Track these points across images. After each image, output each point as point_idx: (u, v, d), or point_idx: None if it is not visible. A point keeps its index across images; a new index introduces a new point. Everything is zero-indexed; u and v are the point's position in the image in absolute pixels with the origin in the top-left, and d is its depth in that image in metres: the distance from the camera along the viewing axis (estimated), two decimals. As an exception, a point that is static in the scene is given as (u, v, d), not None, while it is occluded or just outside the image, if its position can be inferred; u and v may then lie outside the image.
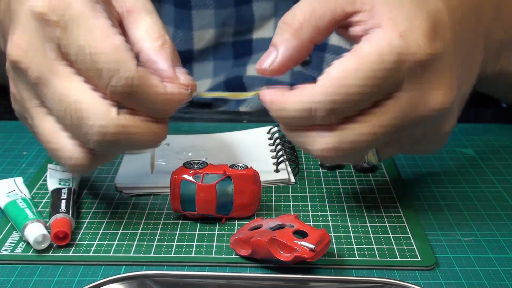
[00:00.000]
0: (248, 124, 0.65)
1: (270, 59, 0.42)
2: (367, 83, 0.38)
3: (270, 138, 0.59)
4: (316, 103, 0.39)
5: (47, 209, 0.47)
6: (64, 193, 0.47)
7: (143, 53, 0.43)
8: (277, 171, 0.53)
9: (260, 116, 0.69)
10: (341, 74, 0.38)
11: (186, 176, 0.45)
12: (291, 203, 0.49)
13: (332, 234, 0.44)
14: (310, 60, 0.72)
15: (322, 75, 0.39)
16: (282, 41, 0.42)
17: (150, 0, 0.46)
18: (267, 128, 0.61)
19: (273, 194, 0.50)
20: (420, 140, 0.43)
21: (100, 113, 0.38)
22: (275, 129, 0.60)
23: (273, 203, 0.49)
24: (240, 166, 0.46)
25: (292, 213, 0.47)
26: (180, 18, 0.73)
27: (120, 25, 0.44)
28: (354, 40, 0.41)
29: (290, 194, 0.50)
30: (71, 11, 0.39)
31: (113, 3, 0.44)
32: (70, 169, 0.41)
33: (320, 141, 0.40)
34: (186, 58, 0.75)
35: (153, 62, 0.42)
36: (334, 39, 0.71)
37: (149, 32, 0.43)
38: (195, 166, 0.46)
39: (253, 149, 0.58)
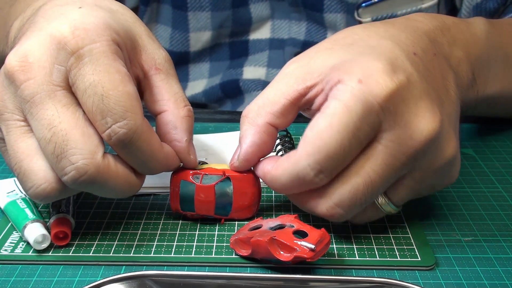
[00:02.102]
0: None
1: (236, 154, 0.44)
2: (343, 136, 0.38)
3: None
4: (302, 169, 0.39)
5: (47, 209, 0.47)
6: (64, 193, 0.47)
7: (166, 115, 0.44)
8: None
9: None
10: (316, 134, 0.39)
11: (185, 176, 0.45)
12: (291, 203, 0.49)
13: (332, 234, 0.44)
14: None
15: (300, 140, 0.40)
16: (242, 133, 0.43)
17: (172, 63, 0.46)
18: (267, 128, 0.61)
19: (273, 194, 0.50)
20: (427, 176, 0.42)
21: (86, 151, 0.38)
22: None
23: (273, 203, 0.49)
24: None
25: (292, 213, 0.47)
26: (177, 20, 0.73)
27: (141, 81, 0.45)
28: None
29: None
30: (93, 46, 0.39)
31: (142, 57, 0.44)
32: (33, 195, 0.40)
33: (322, 203, 0.41)
34: (182, 59, 0.75)
35: (173, 127, 0.44)
36: None
37: (176, 97, 0.44)
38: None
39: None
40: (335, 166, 0.39)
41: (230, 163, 0.45)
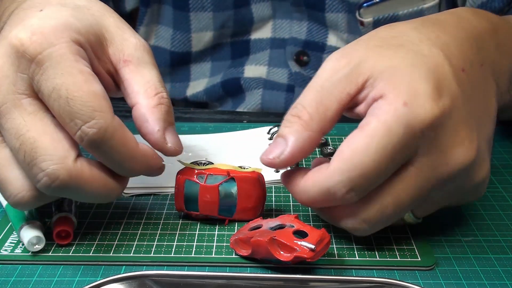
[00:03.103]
0: (248, 124, 0.65)
1: (278, 150, 0.41)
2: (380, 157, 0.37)
3: (270, 138, 0.59)
4: (334, 184, 0.38)
5: (48, 209, 0.47)
6: (66, 192, 0.47)
7: (137, 108, 0.42)
8: (277, 171, 0.53)
9: (260, 116, 0.69)
10: (353, 152, 0.38)
11: (190, 176, 0.45)
12: (291, 203, 0.49)
13: (332, 234, 0.44)
14: (308, 61, 0.72)
15: (335, 154, 0.39)
16: (291, 132, 0.40)
17: (150, 51, 0.45)
18: (267, 128, 0.61)
19: (273, 194, 0.50)
20: (455, 194, 0.42)
21: (55, 157, 0.38)
22: (275, 129, 0.60)
23: (273, 203, 0.49)
24: (247, 168, 0.46)
25: (292, 213, 0.47)
26: (179, 20, 0.73)
27: (113, 75, 0.44)
28: (360, 117, 0.40)
29: (290, 194, 0.50)
30: (51, 50, 0.39)
31: (108, 51, 0.43)
32: (12, 203, 0.40)
33: (348, 218, 0.40)
34: (184, 60, 0.75)
35: (145, 120, 0.42)
36: (332, 40, 0.71)
37: (146, 87, 0.43)
38: (201, 166, 0.46)
39: (253, 149, 0.58)
40: (368, 186, 0.38)
41: (268, 156, 0.41)
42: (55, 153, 0.38)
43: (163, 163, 0.43)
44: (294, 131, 0.40)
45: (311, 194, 0.40)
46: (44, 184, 0.38)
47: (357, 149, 0.38)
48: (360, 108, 0.40)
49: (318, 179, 0.39)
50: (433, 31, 0.43)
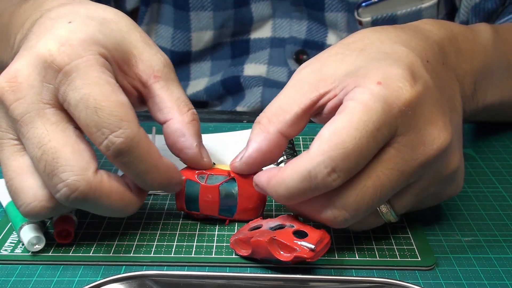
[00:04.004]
0: (248, 124, 0.65)
1: (240, 156, 0.43)
2: (361, 135, 0.37)
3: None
4: (315, 166, 0.38)
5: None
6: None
7: (171, 123, 0.43)
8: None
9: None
10: (333, 132, 0.38)
11: (191, 176, 0.45)
12: (291, 203, 0.49)
13: (332, 234, 0.44)
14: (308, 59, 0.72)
15: (315, 138, 0.39)
16: (250, 137, 0.43)
17: (173, 67, 0.46)
18: (267, 128, 0.61)
19: (273, 194, 0.50)
20: (433, 184, 0.42)
21: (76, 168, 0.38)
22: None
23: (273, 203, 0.49)
24: None
25: (292, 213, 0.47)
26: (179, 20, 0.73)
27: (140, 91, 0.44)
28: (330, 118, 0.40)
29: (290, 194, 0.50)
30: (79, 61, 0.39)
31: (138, 66, 0.44)
32: (24, 213, 0.40)
33: (327, 206, 0.40)
34: (184, 59, 0.75)
35: (181, 135, 0.43)
36: (332, 39, 0.71)
37: (178, 103, 0.44)
38: None
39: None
40: (350, 167, 0.38)
41: (231, 162, 0.44)
42: (76, 164, 0.38)
43: (184, 178, 0.44)
44: (253, 136, 0.42)
45: (289, 183, 0.39)
46: (64, 194, 0.38)
47: (337, 129, 0.38)
48: (328, 109, 0.41)
49: (297, 164, 0.39)
50: (393, 32, 0.44)
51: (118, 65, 0.42)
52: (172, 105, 0.44)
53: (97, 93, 0.38)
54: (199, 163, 0.44)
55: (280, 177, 0.39)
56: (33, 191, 0.40)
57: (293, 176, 0.39)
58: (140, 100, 0.45)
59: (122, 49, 0.43)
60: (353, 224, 0.42)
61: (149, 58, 0.44)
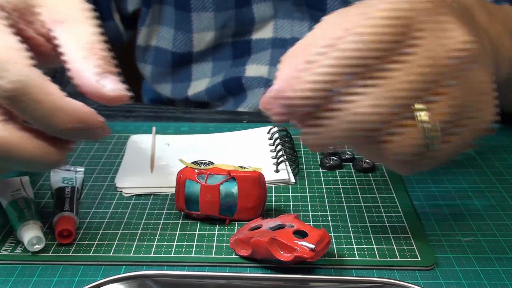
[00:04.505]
0: (248, 124, 0.65)
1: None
2: (389, 19, 0.37)
3: (270, 138, 0.59)
4: (346, 45, 0.36)
5: (48, 209, 0.47)
6: (68, 191, 0.47)
7: (71, 65, 0.40)
8: (277, 171, 0.53)
9: (260, 116, 0.69)
10: (362, 14, 0.37)
11: (191, 176, 0.45)
12: (291, 203, 0.49)
13: (332, 234, 0.44)
14: None
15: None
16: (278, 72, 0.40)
17: (91, 11, 0.43)
18: (267, 128, 0.61)
19: (273, 194, 0.50)
20: (465, 93, 0.39)
21: (13, 61, 0.36)
22: (275, 129, 0.60)
23: (273, 203, 0.49)
24: (248, 168, 0.46)
25: (292, 213, 0.47)
26: (180, 21, 0.73)
27: (49, 38, 0.43)
28: None
29: (290, 194, 0.50)
30: None
31: (41, 14, 0.42)
32: None
33: (356, 104, 0.36)
34: (185, 60, 0.75)
35: (78, 73, 0.40)
36: None
37: (77, 42, 0.41)
38: (202, 166, 0.46)
39: (253, 149, 0.58)
40: (378, 49, 0.36)
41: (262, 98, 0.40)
42: (12, 61, 0.37)
43: (104, 121, 0.40)
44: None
45: (315, 72, 0.36)
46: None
47: (368, 13, 0.37)
48: None
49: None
50: None
51: (20, 15, 0.42)
52: (71, 47, 0.41)
53: None
54: (101, 95, 0.39)
55: (307, 71, 0.37)
56: None
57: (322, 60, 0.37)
58: (55, 49, 0.43)
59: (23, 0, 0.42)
60: (396, 144, 0.38)
61: (54, 4, 0.43)
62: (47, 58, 0.43)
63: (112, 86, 0.39)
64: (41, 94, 0.37)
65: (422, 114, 0.38)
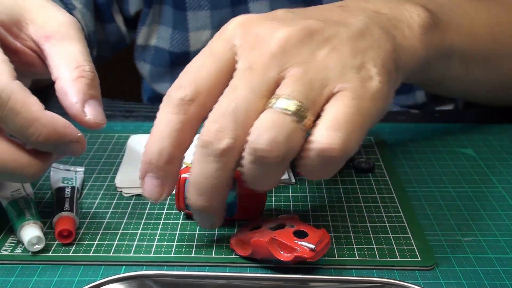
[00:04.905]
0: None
1: None
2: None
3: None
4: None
5: (47, 209, 0.47)
6: (68, 191, 0.47)
7: (57, 82, 0.41)
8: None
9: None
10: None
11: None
12: (291, 203, 0.49)
13: (332, 234, 0.44)
14: None
15: None
16: None
17: (79, 28, 0.45)
18: (267, 128, 0.61)
19: (273, 194, 0.50)
20: (312, 67, 0.39)
21: None
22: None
23: (273, 203, 0.49)
24: None
25: (292, 213, 0.47)
26: (178, 20, 0.73)
27: (38, 52, 0.44)
28: None
29: (290, 194, 0.50)
30: None
31: (29, 29, 0.43)
32: None
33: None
34: (182, 59, 0.75)
35: (64, 93, 0.41)
36: None
37: (67, 61, 0.42)
38: None
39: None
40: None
41: None
42: None
43: (80, 135, 0.40)
44: None
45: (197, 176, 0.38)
46: None
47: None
48: None
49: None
50: None
51: (7, 28, 0.42)
52: (60, 63, 0.42)
53: None
54: (82, 121, 0.41)
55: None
56: None
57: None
58: (43, 62, 0.44)
59: (10, 13, 0.43)
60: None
61: (43, 21, 0.44)
62: (35, 69, 0.44)
63: (92, 114, 0.41)
64: (19, 105, 0.38)
65: (271, 100, 0.38)
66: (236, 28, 0.41)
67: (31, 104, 0.38)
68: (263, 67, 0.39)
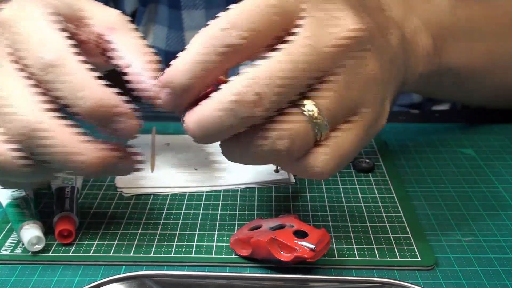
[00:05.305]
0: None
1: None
2: (265, 7, 0.37)
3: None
4: (241, 88, 0.36)
5: (47, 209, 0.47)
6: (68, 191, 0.47)
7: (132, 68, 0.43)
8: (277, 171, 0.53)
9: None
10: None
11: None
12: (291, 203, 0.49)
13: (332, 234, 0.44)
14: None
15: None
16: None
17: (131, 21, 0.46)
18: (267, 128, 0.61)
19: (273, 194, 0.50)
20: (352, 83, 0.39)
21: (25, 105, 0.38)
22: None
23: (273, 203, 0.49)
24: None
25: (292, 213, 0.47)
26: (173, 19, 0.73)
27: (99, 44, 0.45)
28: None
29: (290, 194, 0.50)
30: (25, 15, 0.41)
31: (93, 22, 0.45)
32: None
33: (259, 139, 0.37)
34: None
35: (140, 77, 0.42)
36: None
37: (136, 49, 0.44)
38: None
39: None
40: (248, 39, 0.37)
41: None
42: (24, 102, 0.38)
43: (131, 110, 0.40)
44: None
45: (215, 112, 0.37)
46: (15, 129, 0.38)
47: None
48: None
49: (223, 91, 0.37)
50: None
51: (71, 22, 0.44)
52: (130, 51, 0.44)
53: (31, 29, 0.40)
54: (155, 103, 0.41)
55: (205, 109, 0.38)
56: None
57: (218, 102, 0.37)
58: (103, 54, 0.45)
59: (72, 7, 0.44)
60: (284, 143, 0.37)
61: (104, 14, 0.46)
62: (94, 59, 0.45)
63: (164, 96, 0.40)
64: (76, 69, 0.38)
65: (307, 104, 0.37)
66: None
67: (86, 72, 0.39)
68: (324, 55, 0.37)
